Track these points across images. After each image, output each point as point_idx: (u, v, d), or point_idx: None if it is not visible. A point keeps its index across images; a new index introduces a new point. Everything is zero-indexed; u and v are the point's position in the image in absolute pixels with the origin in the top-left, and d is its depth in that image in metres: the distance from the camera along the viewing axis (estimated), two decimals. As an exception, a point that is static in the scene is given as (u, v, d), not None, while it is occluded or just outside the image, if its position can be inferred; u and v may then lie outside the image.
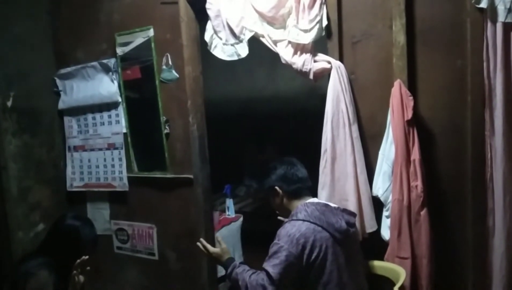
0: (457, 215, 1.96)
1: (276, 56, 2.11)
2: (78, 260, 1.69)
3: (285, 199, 1.83)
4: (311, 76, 2.02)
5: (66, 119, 2.92)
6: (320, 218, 1.68)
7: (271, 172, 1.85)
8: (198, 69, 2.46)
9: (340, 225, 1.69)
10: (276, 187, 1.83)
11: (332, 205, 1.79)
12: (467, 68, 1.87)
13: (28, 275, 1.67)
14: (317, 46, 2.04)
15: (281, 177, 1.83)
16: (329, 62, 2.00)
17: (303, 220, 1.67)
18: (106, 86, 2.70)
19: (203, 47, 2.38)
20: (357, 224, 1.91)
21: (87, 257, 1.72)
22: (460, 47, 1.88)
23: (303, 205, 1.74)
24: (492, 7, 1.77)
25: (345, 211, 1.80)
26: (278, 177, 1.83)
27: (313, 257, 1.62)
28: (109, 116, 2.74)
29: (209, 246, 1.88)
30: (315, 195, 1.94)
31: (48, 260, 1.74)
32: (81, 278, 1.71)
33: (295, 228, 1.65)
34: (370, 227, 1.99)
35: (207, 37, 2.30)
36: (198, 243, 1.92)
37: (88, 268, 1.74)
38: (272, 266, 1.61)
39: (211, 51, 2.30)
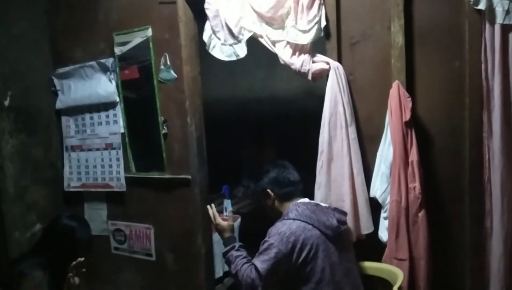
0: (455, 216, 1.96)
1: (274, 56, 2.11)
2: (74, 262, 1.68)
3: (277, 201, 1.88)
4: (309, 77, 2.02)
5: (64, 118, 2.91)
6: (311, 216, 1.71)
7: (263, 175, 1.91)
8: (196, 69, 2.46)
9: (331, 223, 1.72)
10: (268, 190, 1.88)
11: (323, 204, 1.83)
12: (465, 69, 1.87)
13: (22, 275, 1.66)
14: (316, 47, 2.04)
15: (273, 180, 1.89)
16: (327, 63, 1.99)
17: (294, 219, 1.71)
18: (104, 86, 2.69)
19: (202, 47, 2.38)
20: (353, 225, 1.93)
21: (83, 259, 1.70)
22: (458, 48, 1.88)
23: (294, 205, 1.79)
24: (490, 8, 1.78)
25: (336, 209, 1.83)
26: (270, 180, 1.89)
27: (303, 255, 1.64)
28: (107, 116, 2.73)
29: (217, 216, 1.95)
30: (308, 196, 1.95)
31: (43, 260, 1.73)
32: (76, 280, 1.69)
33: (286, 227, 1.69)
34: (366, 229, 1.99)
35: (205, 37, 2.30)
36: (209, 207, 1.99)
37: (84, 270, 1.72)
38: (261, 261, 1.64)
39: (210, 51, 2.29)
